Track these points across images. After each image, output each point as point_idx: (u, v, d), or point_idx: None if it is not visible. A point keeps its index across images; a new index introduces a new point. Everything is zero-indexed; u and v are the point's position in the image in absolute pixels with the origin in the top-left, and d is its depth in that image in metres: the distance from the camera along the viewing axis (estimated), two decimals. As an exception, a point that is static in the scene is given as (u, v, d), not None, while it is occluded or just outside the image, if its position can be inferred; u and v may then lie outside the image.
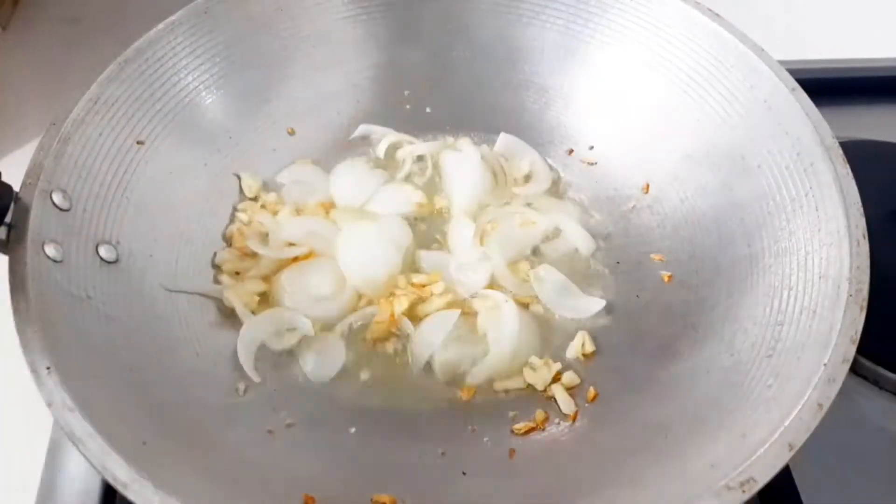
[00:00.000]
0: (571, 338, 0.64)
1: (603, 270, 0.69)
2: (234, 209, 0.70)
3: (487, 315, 0.64)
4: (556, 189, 0.75)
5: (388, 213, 0.71)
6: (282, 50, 0.72)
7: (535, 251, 0.70)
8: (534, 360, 0.62)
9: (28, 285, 0.49)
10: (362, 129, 0.77)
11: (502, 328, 0.62)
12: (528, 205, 0.73)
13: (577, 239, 0.70)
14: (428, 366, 0.62)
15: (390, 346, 0.64)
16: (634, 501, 0.47)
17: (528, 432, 0.58)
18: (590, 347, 0.63)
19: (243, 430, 0.55)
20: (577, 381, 0.61)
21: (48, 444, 0.60)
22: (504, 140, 0.77)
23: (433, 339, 0.62)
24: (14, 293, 0.48)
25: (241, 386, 0.59)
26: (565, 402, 0.59)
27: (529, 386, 0.61)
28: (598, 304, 0.64)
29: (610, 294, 0.67)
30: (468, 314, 0.65)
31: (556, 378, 0.61)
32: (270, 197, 0.71)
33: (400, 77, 0.77)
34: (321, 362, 0.62)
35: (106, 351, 0.51)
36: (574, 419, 0.59)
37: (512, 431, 0.58)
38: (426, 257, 0.68)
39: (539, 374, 0.61)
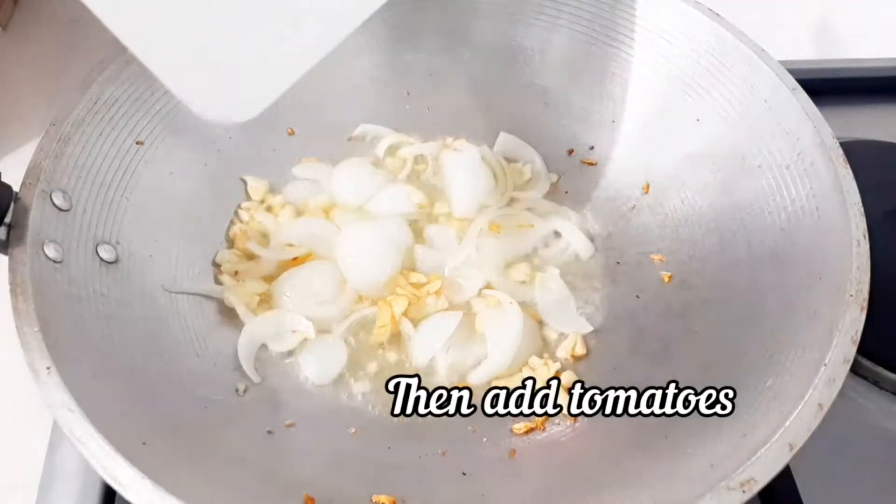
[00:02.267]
0: (566, 337, 0.65)
1: (603, 271, 0.69)
2: (238, 209, 0.70)
3: (488, 314, 0.64)
4: (556, 190, 0.75)
5: (389, 213, 0.71)
6: (282, 50, 0.72)
7: (534, 254, 0.70)
8: (534, 360, 0.62)
9: (28, 285, 0.48)
10: (362, 128, 0.76)
11: (505, 330, 0.62)
12: (529, 209, 0.72)
13: (577, 243, 0.70)
14: (429, 367, 0.62)
15: (390, 348, 0.64)
16: (634, 501, 0.47)
17: (528, 432, 0.58)
18: (581, 350, 0.63)
19: (243, 430, 0.55)
20: (576, 380, 0.61)
21: (48, 444, 0.60)
22: (504, 140, 0.77)
23: (433, 342, 0.62)
24: (14, 293, 0.48)
25: (241, 386, 0.59)
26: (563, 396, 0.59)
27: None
28: (586, 327, 0.65)
29: (610, 294, 0.68)
30: (468, 314, 0.65)
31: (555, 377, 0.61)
32: (276, 200, 0.71)
33: (400, 77, 0.77)
34: (322, 364, 0.62)
35: (106, 351, 0.51)
36: (575, 420, 0.58)
37: (512, 431, 0.58)
38: (423, 255, 0.68)
39: (538, 374, 0.61)
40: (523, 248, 0.70)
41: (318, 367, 0.62)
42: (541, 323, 0.66)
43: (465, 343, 0.63)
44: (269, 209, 0.70)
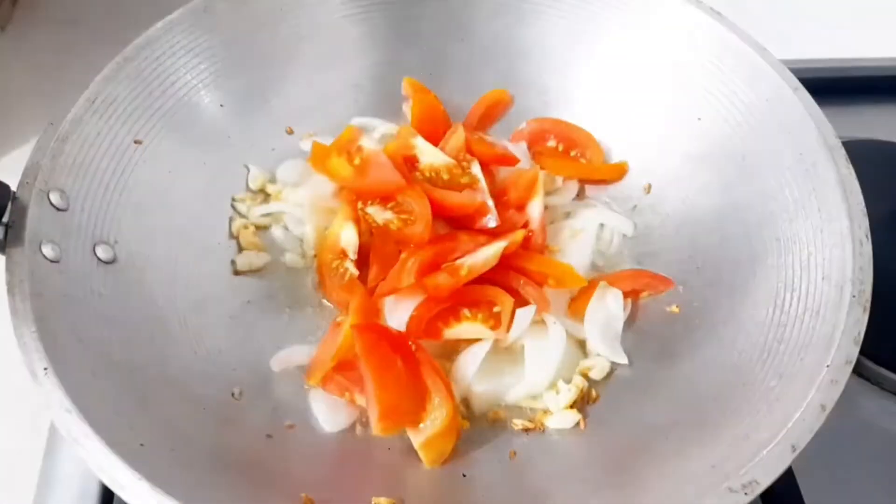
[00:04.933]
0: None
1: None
2: (233, 201, 0.69)
3: (530, 332, 0.61)
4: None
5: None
6: (282, 50, 0.72)
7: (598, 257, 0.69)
8: (561, 385, 0.60)
9: (25, 285, 0.48)
10: (357, 121, 0.76)
11: (547, 351, 0.60)
12: (567, 213, 0.72)
13: (619, 225, 0.70)
14: (464, 397, 0.60)
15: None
16: (634, 502, 0.47)
17: (526, 430, 0.58)
18: (605, 371, 0.61)
19: (243, 431, 0.55)
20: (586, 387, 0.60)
21: (46, 444, 0.60)
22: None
23: (467, 372, 0.59)
24: (11, 293, 0.48)
25: (237, 390, 0.58)
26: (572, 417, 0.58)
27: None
28: (622, 358, 0.61)
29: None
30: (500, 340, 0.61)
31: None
32: (274, 188, 0.71)
33: (399, 76, 0.76)
34: (333, 414, 0.59)
35: (103, 351, 0.51)
36: (575, 420, 0.58)
37: (512, 431, 0.58)
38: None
39: (561, 397, 0.59)
40: (588, 259, 0.68)
41: (329, 417, 0.58)
42: (582, 343, 0.63)
43: (498, 371, 0.60)
44: (268, 197, 0.71)
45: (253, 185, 0.71)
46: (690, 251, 0.65)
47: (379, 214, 0.65)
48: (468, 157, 0.68)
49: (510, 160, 0.70)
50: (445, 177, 0.67)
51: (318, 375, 0.59)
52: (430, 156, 0.68)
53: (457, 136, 0.69)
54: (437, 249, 0.62)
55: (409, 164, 0.68)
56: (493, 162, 0.70)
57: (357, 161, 0.67)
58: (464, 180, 0.67)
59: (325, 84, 0.75)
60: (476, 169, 0.67)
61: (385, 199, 0.65)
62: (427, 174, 0.68)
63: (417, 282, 0.60)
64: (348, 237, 0.65)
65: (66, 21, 1.02)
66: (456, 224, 0.66)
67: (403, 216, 0.64)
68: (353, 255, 0.64)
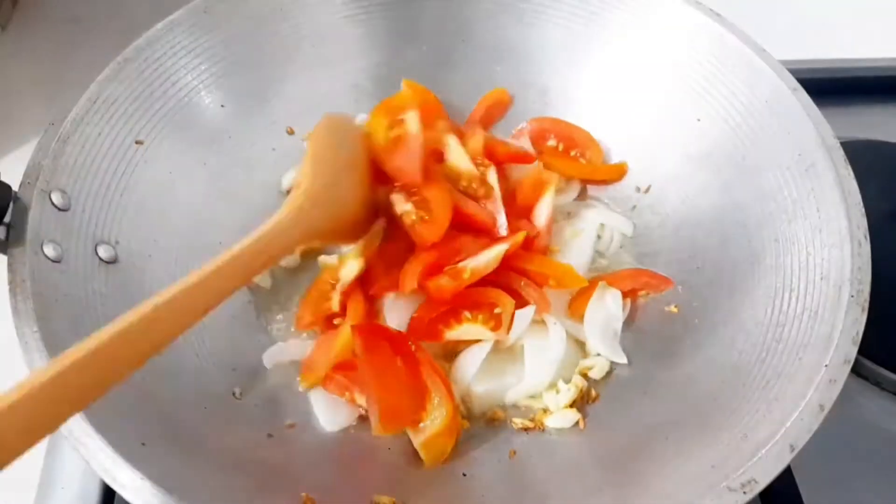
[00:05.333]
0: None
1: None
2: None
3: (529, 333, 0.61)
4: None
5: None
6: (282, 50, 0.72)
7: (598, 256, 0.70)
8: (561, 384, 0.60)
9: (27, 285, 0.48)
10: (362, 118, 0.76)
11: (546, 352, 0.60)
12: (567, 213, 0.72)
13: (619, 225, 0.70)
14: (465, 396, 0.60)
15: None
16: (634, 501, 0.47)
17: (525, 430, 0.58)
18: (605, 371, 0.62)
19: (243, 431, 0.55)
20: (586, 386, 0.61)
21: (47, 444, 0.60)
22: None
23: (467, 372, 0.59)
24: (13, 293, 0.48)
25: (237, 390, 0.58)
26: (571, 416, 0.59)
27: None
28: (621, 357, 0.61)
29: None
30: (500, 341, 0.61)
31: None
32: None
33: (399, 76, 0.77)
34: (333, 414, 0.59)
35: (105, 351, 0.51)
36: (584, 425, 0.58)
37: (512, 431, 0.58)
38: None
39: (560, 397, 0.59)
40: (588, 256, 0.68)
41: (330, 416, 0.59)
42: (582, 343, 0.63)
43: (498, 371, 0.61)
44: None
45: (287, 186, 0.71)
46: (690, 251, 0.65)
47: (400, 203, 0.63)
48: (486, 161, 0.68)
49: (527, 158, 0.70)
50: (463, 183, 0.67)
51: (313, 378, 0.59)
52: (457, 158, 0.67)
53: (475, 140, 0.68)
54: (440, 252, 0.62)
55: (435, 156, 0.67)
56: (510, 160, 0.70)
57: (393, 134, 0.64)
58: (480, 192, 0.66)
59: (325, 84, 0.75)
60: (492, 178, 0.66)
61: (411, 191, 0.64)
62: (448, 173, 0.67)
63: (420, 285, 0.60)
64: (350, 269, 0.63)
65: (67, 21, 1.02)
66: (461, 228, 0.65)
67: (421, 213, 0.62)
68: (342, 287, 0.63)
